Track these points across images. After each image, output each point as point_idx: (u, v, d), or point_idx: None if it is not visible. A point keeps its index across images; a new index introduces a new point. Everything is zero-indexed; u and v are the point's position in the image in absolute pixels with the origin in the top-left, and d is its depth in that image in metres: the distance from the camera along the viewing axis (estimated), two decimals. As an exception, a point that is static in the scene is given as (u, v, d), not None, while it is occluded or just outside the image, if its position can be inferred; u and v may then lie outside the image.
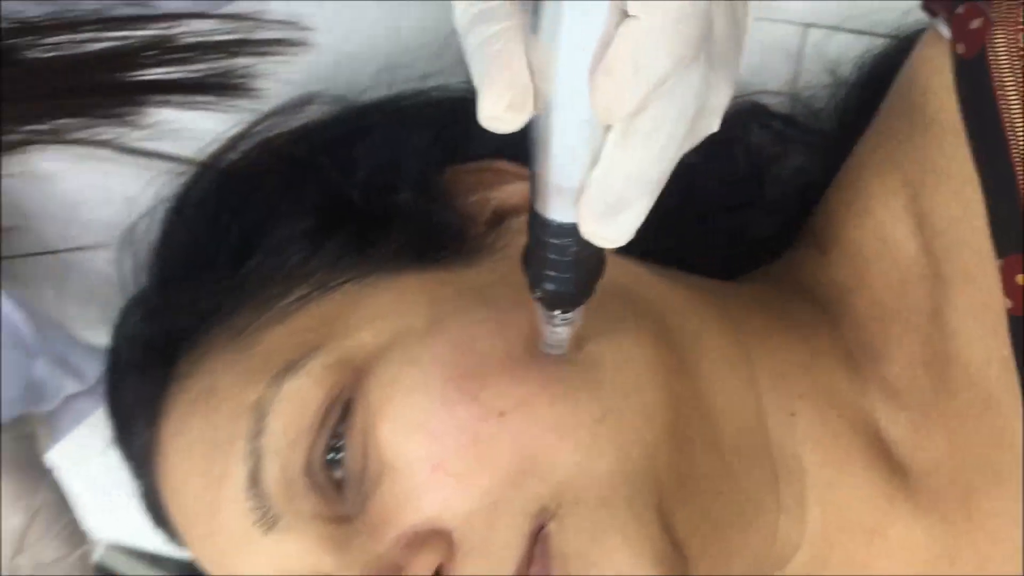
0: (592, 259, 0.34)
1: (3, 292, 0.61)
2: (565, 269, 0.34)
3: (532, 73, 0.28)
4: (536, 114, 0.29)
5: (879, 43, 0.54)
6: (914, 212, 0.43)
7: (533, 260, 0.34)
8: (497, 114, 0.27)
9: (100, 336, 0.58)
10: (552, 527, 0.38)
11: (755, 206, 0.53)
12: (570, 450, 0.38)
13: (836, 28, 0.54)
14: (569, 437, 0.38)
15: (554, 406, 0.38)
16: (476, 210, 0.46)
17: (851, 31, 0.54)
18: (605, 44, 0.27)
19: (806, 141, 0.55)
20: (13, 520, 0.56)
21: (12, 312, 0.60)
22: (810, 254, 0.49)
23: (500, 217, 0.46)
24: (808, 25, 0.53)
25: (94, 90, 0.46)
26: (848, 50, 0.54)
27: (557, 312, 0.36)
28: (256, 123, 0.54)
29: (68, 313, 0.64)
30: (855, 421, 0.43)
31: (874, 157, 0.46)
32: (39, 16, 0.45)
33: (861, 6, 0.53)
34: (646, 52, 0.26)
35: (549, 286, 0.34)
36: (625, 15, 0.26)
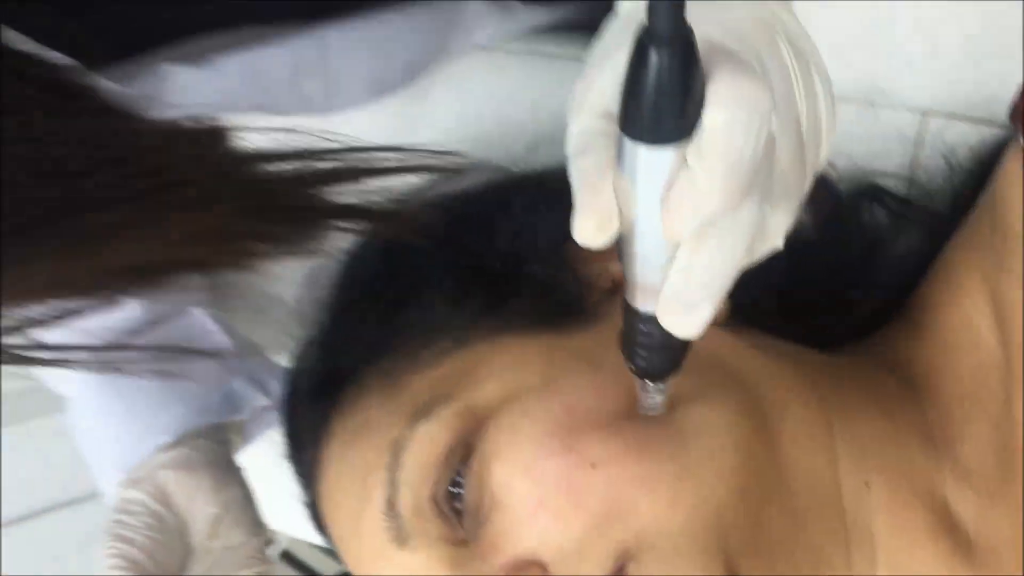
0: (675, 342, 0.40)
1: (213, 317, 0.73)
2: (652, 349, 0.40)
3: (617, 198, 0.35)
4: (622, 230, 0.35)
5: (996, 132, 0.56)
6: (994, 307, 0.47)
7: (626, 340, 0.40)
8: (587, 234, 0.33)
9: (286, 359, 0.68)
10: (631, 568, 0.44)
11: (864, 282, 0.57)
12: (651, 502, 0.44)
13: (954, 116, 0.56)
14: (651, 491, 0.44)
15: (640, 463, 0.44)
16: (595, 280, 0.53)
17: (969, 120, 0.56)
18: (670, 184, 0.33)
19: (920, 222, 0.58)
20: (209, 509, 0.67)
21: (218, 335, 0.72)
22: (904, 332, 0.52)
23: (616, 287, 0.53)
24: (926, 113, 0.57)
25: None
26: (966, 138, 0.57)
27: (648, 382, 0.42)
28: (424, 187, 0.63)
29: (263, 337, 0.75)
30: (926, 496, 0.47)
31: (963, 252, 0.49)
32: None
33: (980, 95, 0.56)
34: (700, 195, 0.31)
35: (640, 362, 0.40)
36: (686, 162, 0.32)
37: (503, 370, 0.49)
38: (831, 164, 0.59)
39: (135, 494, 0.66)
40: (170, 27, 0.51)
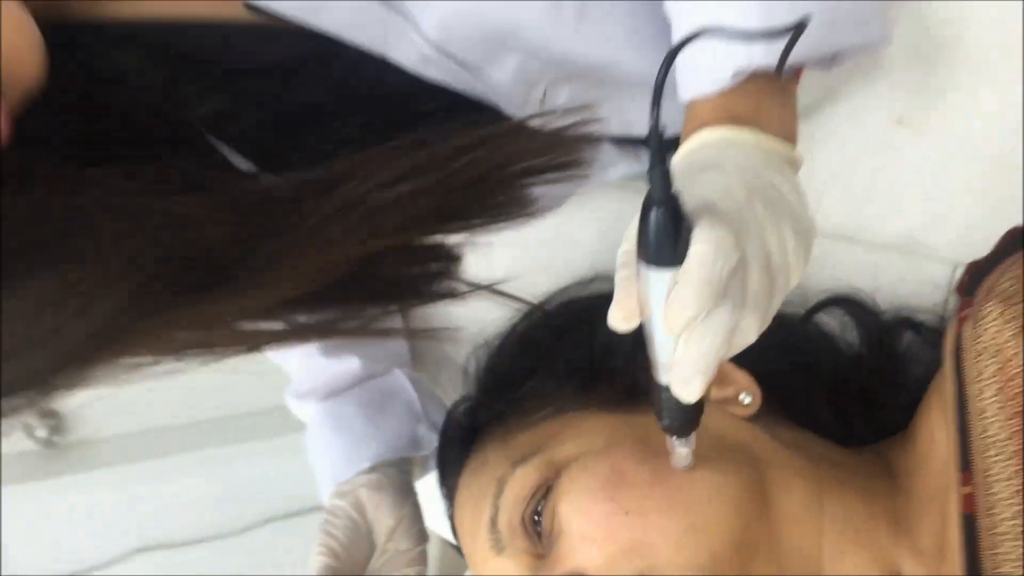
0: (685, 406, 0.53)
1: (409, 376, 0.95)
2: (672, 411, 0.56)
3: (640, 298, 0.49)
4: (643, 321, 0.50)
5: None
6: (948, 424, 0.60)
7: (655, 405, 0.56)
8: (616, 322, 0.49)
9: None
10: None
11: (891, 395, 0.70)
12: (663, 544, 0.60)
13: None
14: (664, 537, 0.61)
15: (660, 515, 0.61)
16: None
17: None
18: (667, 295, 0.47)
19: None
20: (389, 521, 0.88)
21: (411, 391, 0.94)
22: (900, 439, 0.65)
23: None
24: (956, 265, 0.69)
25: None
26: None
27: (674, 437, 0.58)
28: (563, 289, 0.83)
29: (443, 391, 0.97)
30: (886, 565, 0.60)
31: (935, 380, 0.62)
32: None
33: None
34: (683, 303, 0.46)
35: (665, 422, 0.57)
36: (677, 281, 0.47)
37: (579, 436, 0.67)
38: (876, 300, 0.73)
39: (339, 503, 0.89)
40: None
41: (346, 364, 0.91)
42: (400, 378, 0.95)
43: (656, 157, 0.45)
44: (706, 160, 0.53)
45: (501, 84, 0.64)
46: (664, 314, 0.47)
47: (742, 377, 0.67)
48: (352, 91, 0.63)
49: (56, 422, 2.08)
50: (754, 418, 0.66)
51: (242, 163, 0.65)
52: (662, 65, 0.44)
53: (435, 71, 0.63)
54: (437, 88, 0.64)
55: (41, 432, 2.08)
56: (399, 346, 0.97)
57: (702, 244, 0.45)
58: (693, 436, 0.57)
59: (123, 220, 0.50)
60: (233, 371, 0.81)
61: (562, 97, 0.66)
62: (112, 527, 2.16)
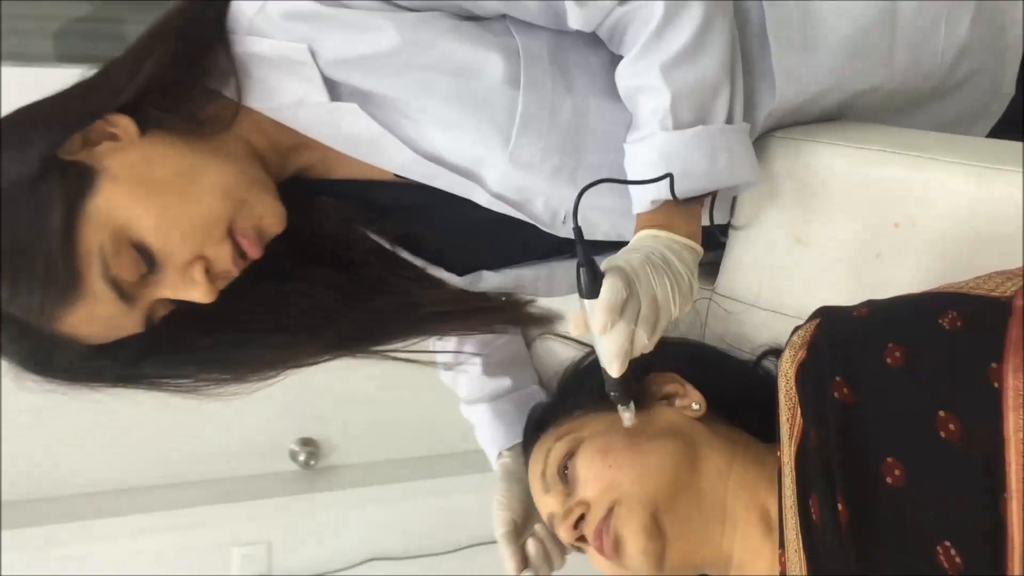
0: (615, 382, 0.89)
1: (539, 389, 1.32)
2: (611, 385, 0.90)
3: (585, 318, 0.84)
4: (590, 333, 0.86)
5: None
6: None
7: (606, 384, 0.91)
8: (573, 330, 0.84)
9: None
10: (615, 510, 0.98)
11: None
12: (628, 485, 0.95)
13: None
14: (628, 480, 0.96)
15: (628, 467, 0.98)
16: (653, 391, 1.08)
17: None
18: (592, 315, 0.83)
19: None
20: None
21: (541, 396, 1.33)
22: None
23: (664, 398, 1.07)
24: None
25: None
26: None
27: (620, 406, 0.95)
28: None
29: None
30: (761, 507, 0.95)
31: None
32: None
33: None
34: (596, 319, 0.81)
35: (611, 394, 0.91)
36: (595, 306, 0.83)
37: (592, 425, 1.04)
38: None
39: (504, 461, 1.21)
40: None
41: (501, 381, 1.27)
42: (536, 391, 1.29)
43: (582, 247, 0.83)
44: (632, 246, 0.89)
45: (540, 214, 1.00)
46: (592, 324, 0.83)
47: (694, 393, 1.02)
48: (456, 218, 1.03)
49: (314, 449, 2.61)
50: (702, 419, 1.03)
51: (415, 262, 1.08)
52: (576, 199, 0.81)
53: (500, 207, 0.99)
54: (500, 215, 1.01)
55: (302, 457, 2.59)
56: (533, 372, 1.33)
57: (605, 285, 0.81)
58: (632, 405, 0.91)
59: (312, 303, 0.98)
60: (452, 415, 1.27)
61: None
62: (351, 537, 2.60)
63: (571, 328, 0.84)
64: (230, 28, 0.90)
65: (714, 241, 1.08)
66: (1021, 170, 0.85)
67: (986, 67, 1.08)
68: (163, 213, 0.84)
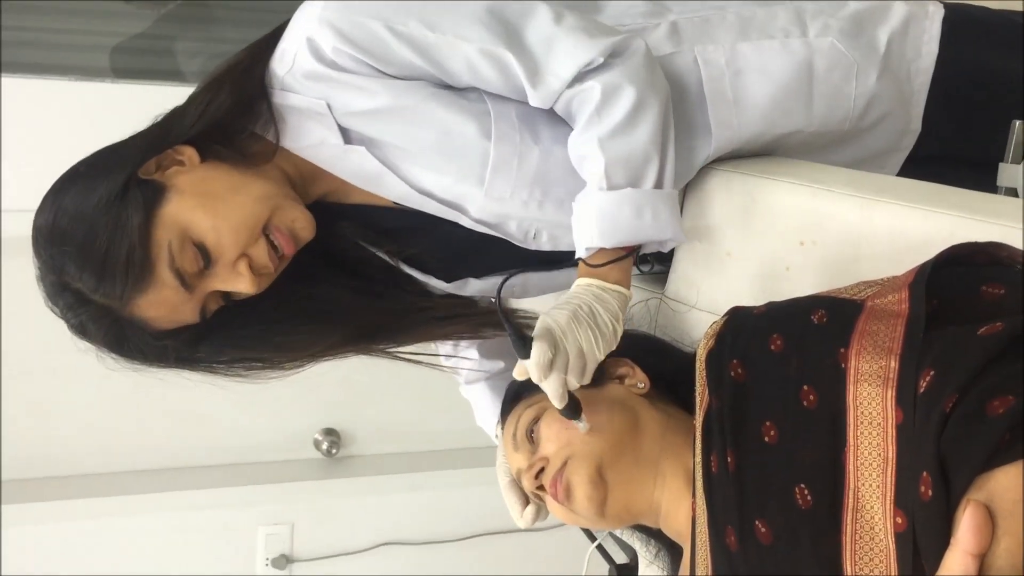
0: (569, 407, 1.09)
1: None
2: (562, 411, 1.11)
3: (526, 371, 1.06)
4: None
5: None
6: None
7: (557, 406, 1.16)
8: (515, 376, 1.07)
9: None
10: (567, 464, 1.16)
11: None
12: (578, 444, 1.15)
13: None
14: (580, 439, 1.15)
15: (581, 437, 1.21)
16: (609, 371, 1.28)
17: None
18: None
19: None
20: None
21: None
22: None
23: (617, 378, 1.29)
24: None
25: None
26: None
27: (572, 420, 1.15)
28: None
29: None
30: (685, 464, 1.13)
31: None
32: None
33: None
34: (533, 373, 1.03)
35: (563, 413, 1.14)
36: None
37: None
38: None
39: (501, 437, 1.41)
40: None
41: (495, 363, 1.43)
42: None
43: (509, 323, 1.03)
44: (565, 299, 1.08)
45: (514, 234, 1.19)
46: (531, 376, 1.04)
47: (641, 374, 1.19)
48: (446, 236, 1.21)
49: (336, 439, 2.80)
50: (645, 395, 1.23)
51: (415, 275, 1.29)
52: (498, 289, 1.04)
53: (482, 228, 1.18)
54: (483, 234, 1.20)
55: (325, 446, 2.79)
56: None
57: (534, 349, 1.01)
58: (583, 418, 1.10)
59: (334, 301, 1.21)
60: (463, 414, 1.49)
61: (543, 236, 1.21)
62: (368, 522, 2.79)
63: (516, 375, 1.05)
64: (268, 83, 1.13)
65: (666, 255, 1.30)
66: (897, 201, 1.08)
67: (894, 111, 1.27)
68: (216, 217, 1.06)
